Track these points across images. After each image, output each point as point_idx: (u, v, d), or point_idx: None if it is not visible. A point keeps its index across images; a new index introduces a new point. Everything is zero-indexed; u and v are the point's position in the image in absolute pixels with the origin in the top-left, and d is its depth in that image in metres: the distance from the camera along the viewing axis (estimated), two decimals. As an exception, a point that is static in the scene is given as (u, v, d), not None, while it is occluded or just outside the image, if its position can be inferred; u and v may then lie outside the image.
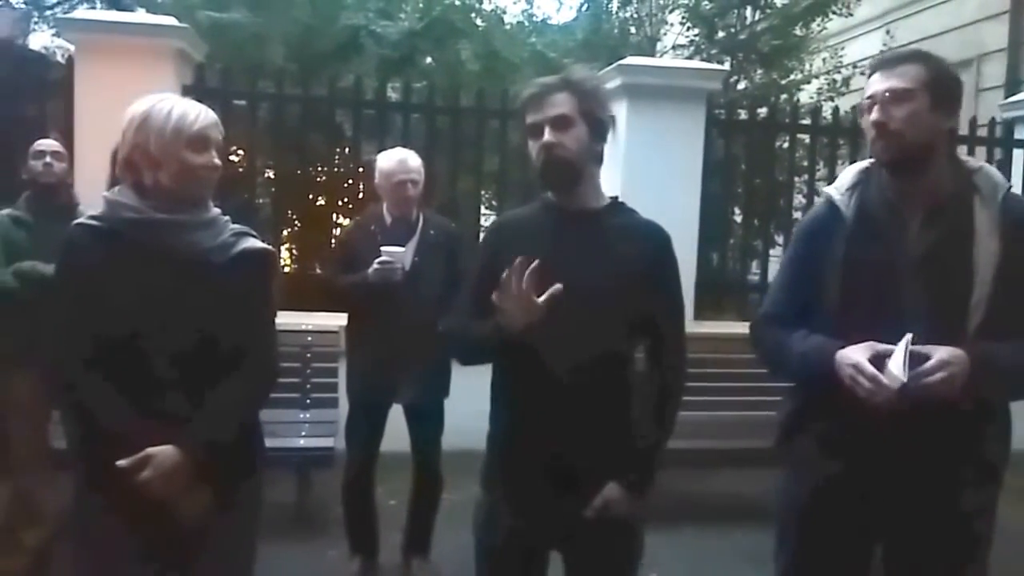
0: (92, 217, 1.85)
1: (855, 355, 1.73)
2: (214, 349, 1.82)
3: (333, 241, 5.70)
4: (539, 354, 1.86)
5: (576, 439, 1.89)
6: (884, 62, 1.87)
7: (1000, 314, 1.75)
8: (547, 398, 1.88)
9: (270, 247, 2.00)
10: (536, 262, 1.76)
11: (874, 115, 1.81)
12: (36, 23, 9.15)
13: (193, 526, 1.79)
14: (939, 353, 1.67)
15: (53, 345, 1.84)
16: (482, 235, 2.20)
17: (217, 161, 1.83)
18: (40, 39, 9.35)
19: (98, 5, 9.68)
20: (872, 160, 1.96)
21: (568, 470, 1.90)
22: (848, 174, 1.99)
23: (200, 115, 1.81)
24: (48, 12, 9.37)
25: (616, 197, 2.04)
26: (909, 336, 1.68)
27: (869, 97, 1.83)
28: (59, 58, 7.55)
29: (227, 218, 1.93)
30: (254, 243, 1.92)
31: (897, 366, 1.65)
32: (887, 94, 1.79)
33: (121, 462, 1.69)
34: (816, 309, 1.91)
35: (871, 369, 1.69)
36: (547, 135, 1.87)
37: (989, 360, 1.70)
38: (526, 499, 1.96)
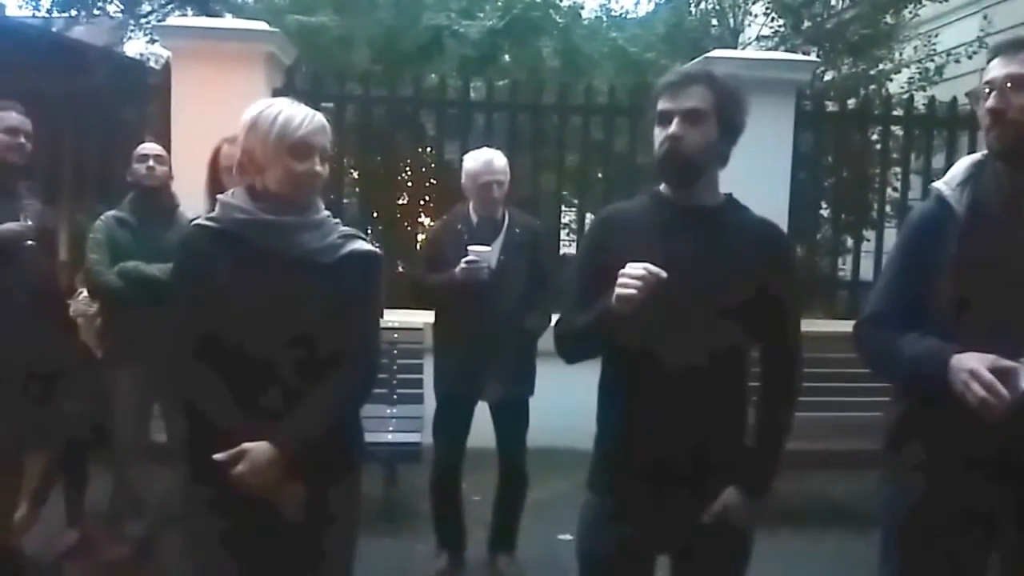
0: (208, 218, 1.91)
1: (971, 361, 1.63)
2: (319, 348, 1.85)
3: (418, 240, 5.79)
4: (652, 353, 1.83)
5: (691, 442, 1.85)
6: (1006, 46, 1.77)
7: None
8: (661, 399, 1.84)
9: (377, 249, 2.03)
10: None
11: (991, 102, 1.72)
12: (132, 31, 9.52)
13: (291, 519, 1.83)
14: None
15: (167, 340, 1.91)
16: (589, 225, 2.16)
17: (319, 168, 1.84)
18: (135, 46, 9.77)
19: (189, 11, 10.04)
20: (986, 152, 1.88)
21: (683, 474, 1.87)
22: (960, 167, 1.89)
23: (304, 122, 1.82)
24: (143, 20, 9.73)
25: (731, 194, 1.99)
26: None
27: (987, 83, 1.75)
28: (153, 64, 7.88)
29: (336, 220, 1.96)
30: (362, 245, 1.95)
31: (1019, 387, 1.56)
32: (1008, 81, 1.71)
33: (218, 456, 1.75)
34: (926, 312, 1.82)
35: (989, 377, 1.59)
36: (675, 126, 1.83)
37: None
38: (638, 504, 1.92)
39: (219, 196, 1.95)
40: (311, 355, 1.84)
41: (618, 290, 1.72)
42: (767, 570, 3.51)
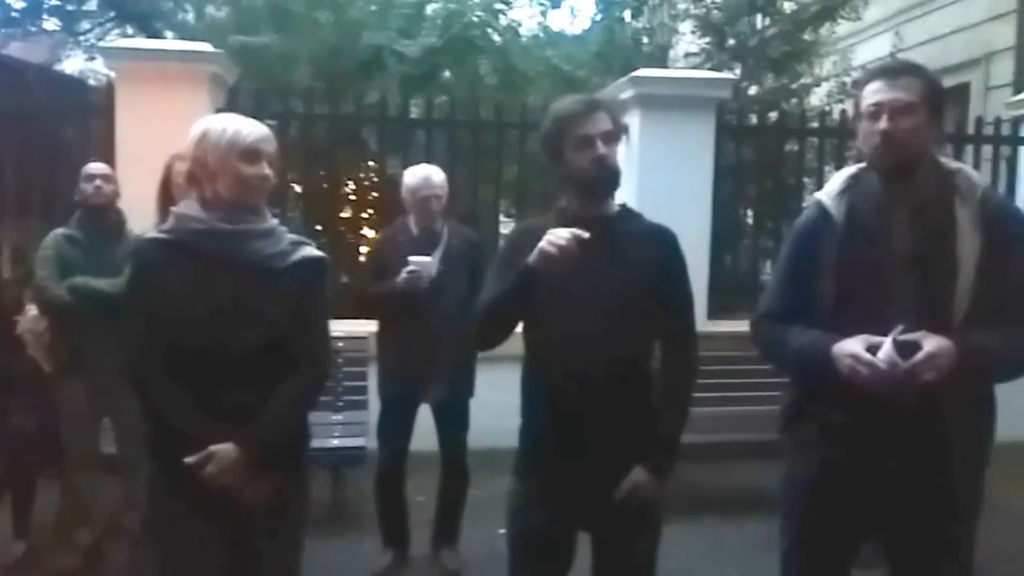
0: (161, 230, 2.02)
1: (851, 346, 1.86)
2: (275, 351, 1.97)
3: (360, 252, 5.93)
4: (564, 349, 2.06)
5: (602, 428, 2.07)
6: (886, 72, 1.98)
7: (982, 304, 1.89)
8: (573, 391, 2.06)
9: (326, 255, 2.15)
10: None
11: (883, 124, 1.91)
12: (70, 48, 9.42)
13: (256, 513, 1.97)
14: (928, 343, 1.79)
15: (128, 349, 2.01)
16: (501, 244, 2.37)
17: (268, 172, 1.98)
18: (74, 64, 9.65)
19: (128, 29, 9.96)
20: (860, 165, 2.12)
21: (596, 457, 2.08)
22: (837, 180, 2.11)
23: (252, 130, 1.97)
24: (81, 37, 9.64)
25: (625, 204, 2.22)
26: (900, 328, 1.81)
27: (875, 104, 1.93)
28: (92, 82, 7.84)
29: (284, 228, 2.08)
30: (311, 251, 2.07)
31: (887, 354, 1.79)
32: (896, 105, 1.91)
33: (188, 459, 1.87)
34: (811, 307, 2.03)
35: (868, 357, 1.81)
36: (600, 147, 2.05)
37: (974, 348, 1.82)
38: (558, 486, 2.13)
39: (172, 208, 2.07)
40: (268, 357, 1.96)
41: (542, 245, 1.93)
42: (696, 552, 3.79)
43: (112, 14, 9.80)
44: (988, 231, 1.92)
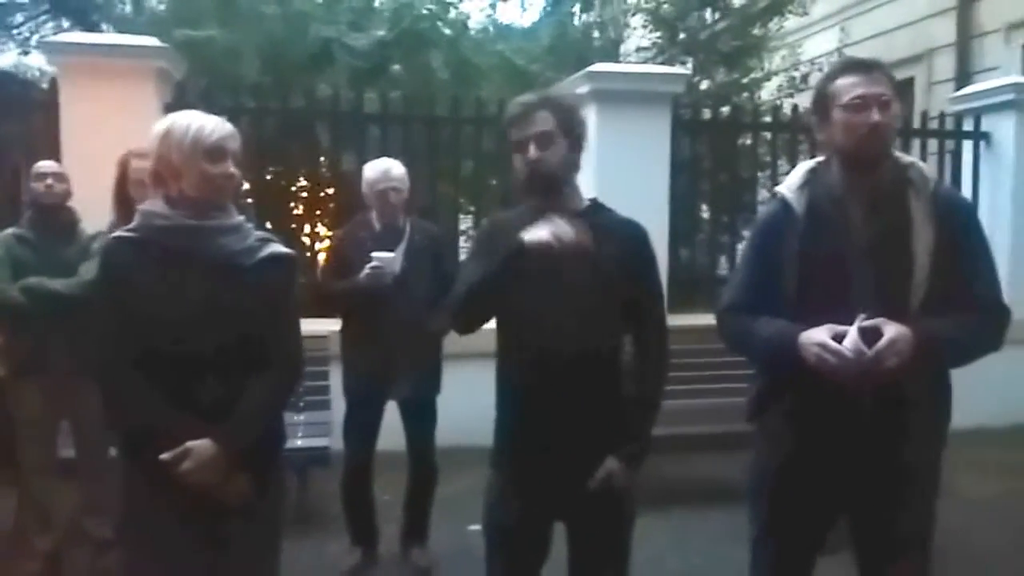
0: (127, 229, 1.99)
1: (818, 335, 1.91)
2: (246, 347, 1.96)
3: (314, 250, 5.85)
4: (537, 342, 2.08)
5: (576, 419, 2.09)
6: (861, 66, 2.03)
7: (937, 293, 1.97)
8: (547, 383, 2.08)
9: (293, 252, 2.14)
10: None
11: (875, 116, 1.96)
12: (4, 43, 9.15)
13: (233, 512, 1.95)
14: (888, 331, 1.85)
15: (98, 349, 1.98)
16: (474, 235, 2.37)
17: (233, 170, 1.96)
18: (7, 59, 9.37)
19: (64, 22, 9.68)
20: (819, 159, 2.17)
21: (571, 448, 2.10)
22: (797, 173, 2.17)
23: (216, 127, 1.95)
24: (15, 31, 9.36)
25: (595, 198, 2.24)
26: (862, 316, 1.87)
27: (860, 97, 1.97)
28: (30, 77, 7.62)
29: (251, 224, 2.06)
30: (279, 248, 2.07)
31: (853, 342, 1.85)
32: (880, 98, 1.97)
33: (164, 456, 1.85)
34: (775, 297, 2.08)
35: (835, 345, 1.87)
36: (532, 151, 2.07)
37: (931, 334, 1.90)
38: (533, 477, 2.15)
39: (138, 207, 2.03)
40: (238, 355, 1.95)
41: (543, 234, 1.95)
42: (663, 542, 3.83)
43: (47, 7, 9.53)
44: (940, 223, 1.99)
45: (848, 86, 2.00)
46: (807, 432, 2.08)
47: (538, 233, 1.97)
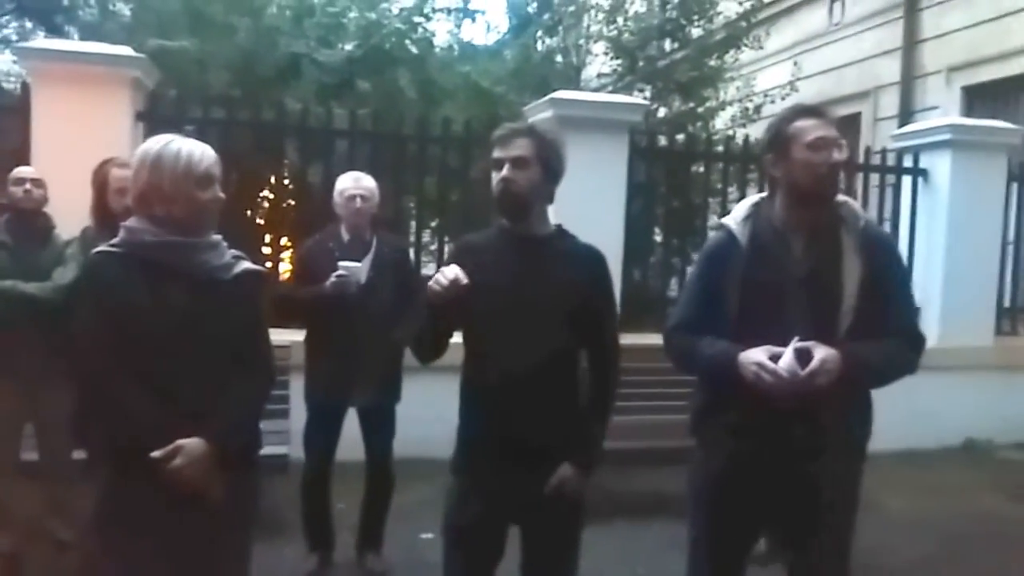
0: (111, 244, 2.08)
1: (756, 355, 2.10)
2: (224, 354, 2.08)
3: (278, 260, 5.94)
4: (499, 356, 2.25)
5: (534, 428, 2.25)
6: (816, 111, 2.25)
7: (863, 320, 2.17)
8: (506, 394, 2.24)
9: (262, 268, 2.28)
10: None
11: (836, 156, 2.18)
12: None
13: (214, 510, 2.03)
14: (819, 352, 2.04)
15: (85, 357, 2.05)
16: (446, 254, 2.52)
17: (221, 194, 2.09)
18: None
19: (27, 22, 9.62)
20: (763, 195, 2.37)
21: (527, 455, 2.26)
22: (742, 207, 2.36)
23: (204, 155, 2.07)
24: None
25: (560, 225, 2.42)
26: (796, 339, 2.07)
27: (821, 139, 2.16)
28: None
29: (226, 243, 2.18)
30: (250, 264, 2.20)
31: (788, 362, 2.05)
32: (836, 141, 2.18)
33: (155, 453, 1.94)
34: (718, 319, 2.26)
35: (772, 365, 2.06)
36: (506, 171, 2.24)
37: (856, 357, 2.09)
38: (490, 482, 2.30)
39: (123, 224, 2.12)
40: (217, 363, 2.07)
41: (430, 284, 2.16)
42: (608, 554, 3.99)
43: (11, 6, 9.48)
44: (867, 257, 2.20)
45: (810, 128, 2.19)
46: (743, 441, 2.25)
47: (429, 288, 2.17)
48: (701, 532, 2.39)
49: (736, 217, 2.34)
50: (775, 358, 2.07)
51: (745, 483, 2.27)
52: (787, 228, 2.26)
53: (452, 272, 2.13)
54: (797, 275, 2.21)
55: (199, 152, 2.07)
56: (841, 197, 2.31)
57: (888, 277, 2.25)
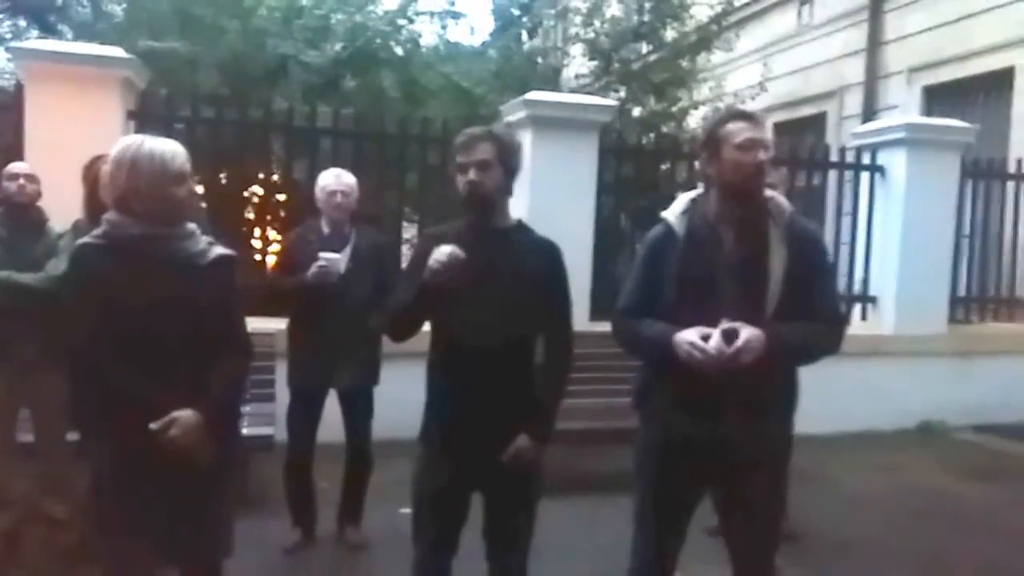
0: (95, 236, 2.26)
1: (689, 335, 2.32)
2: (203, 333, 2.26)
3: (264, 252, 6.15)
4: (463, 338, 2.50)
5: (494, 403, 2.50)
6: (747, 115, 2.46)
7: (787, 304, 2.40)
8: (469, 372, 2.50)
9: (234, 252, 2.45)
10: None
11: (762, 156, 2.35)
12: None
13: (206, 470, 2.24)
14: (744, 332, 2.27)
15: (76, 340, 2.22)
16: (415, 243, 2.76)
17: (195, 188, 2.31)
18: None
19: (21, 21, 9.72)
20: (699, 191, 2.58)
21: (488, 426, 2.52)
22: (680, 202, 2.58)
23: (176, 154, 2.23)
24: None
25: (520, 220, 2.66)
26: (724, 321, 2.30)
27: (750, 140, 2.34)
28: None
29: (199, 230, 2.37)
30: (223, 249, 2.38)
31: (716, 342, 2.29)
32: (765, 143, 2.40)
33: (152, 425, 2.14)
34: (658, 304, 2.49)
35: (702, 344, 2.28)
36: (472, 174, 2.48)
37: (779, 336, 2.32)
38: (454, 450, 2.56)
39: (104, 217, 2.28)
40: (198, 342, 2.26)
41: (430, 263, 2.36)
42: (568, 524, 4.23)
43: (5, 5, 9.60)
44: (793, 247, 2.42)
45: (739, 130, 2.38)
46: (680, 412, 2.48)
47: (428, 267, 2.37)
48: (645, 498, 2.61)
49: (674, 211, 2.55)
50: (706, 338, 2.29)
51: (682, 449, 2.49)
52: (719, 221, 2.46)
53: (447, 249, 2.34)
54: (728, 264, 2.42)
55: (171, 151, 2.22)
56: (769, 192, 2.51)
57: (811, 265, 2.45)
